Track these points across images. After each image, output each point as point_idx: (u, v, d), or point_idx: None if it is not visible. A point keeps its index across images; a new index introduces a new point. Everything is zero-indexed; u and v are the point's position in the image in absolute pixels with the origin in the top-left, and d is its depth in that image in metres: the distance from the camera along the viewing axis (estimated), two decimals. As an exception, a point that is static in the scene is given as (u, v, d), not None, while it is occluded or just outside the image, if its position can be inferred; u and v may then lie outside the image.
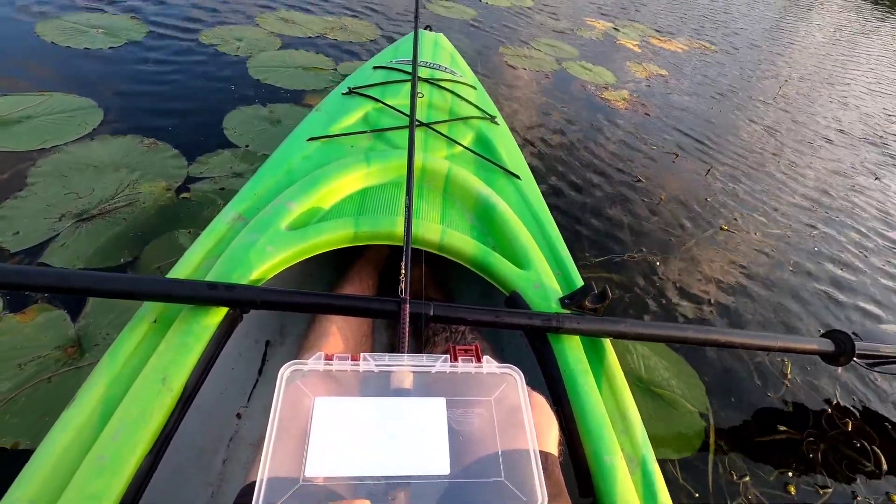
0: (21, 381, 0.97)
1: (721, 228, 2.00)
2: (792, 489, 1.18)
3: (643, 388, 1.30)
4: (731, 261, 1.86)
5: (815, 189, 2.50)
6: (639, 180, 2.20)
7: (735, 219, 2.10)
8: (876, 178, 2.75)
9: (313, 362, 0.48)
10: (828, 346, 1.11)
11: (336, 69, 2.42)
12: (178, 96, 1.96)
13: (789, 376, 1.46)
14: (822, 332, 1.15)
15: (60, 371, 1.00)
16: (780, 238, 2.06)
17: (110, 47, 2.18)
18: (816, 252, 2.04)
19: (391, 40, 2.88)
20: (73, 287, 0.65)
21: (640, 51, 3.81)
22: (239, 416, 0.96)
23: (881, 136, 3.34)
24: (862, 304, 1.82)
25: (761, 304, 1.70)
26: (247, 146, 1.74)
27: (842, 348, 1.13)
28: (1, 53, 2.00)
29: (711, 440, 1.23)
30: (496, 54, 3.06)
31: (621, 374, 0.76)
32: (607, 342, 0.79)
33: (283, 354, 1.07)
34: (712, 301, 1.65)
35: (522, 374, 0.50)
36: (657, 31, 4.49)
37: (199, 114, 1.88)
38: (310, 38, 2.67)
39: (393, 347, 1.13)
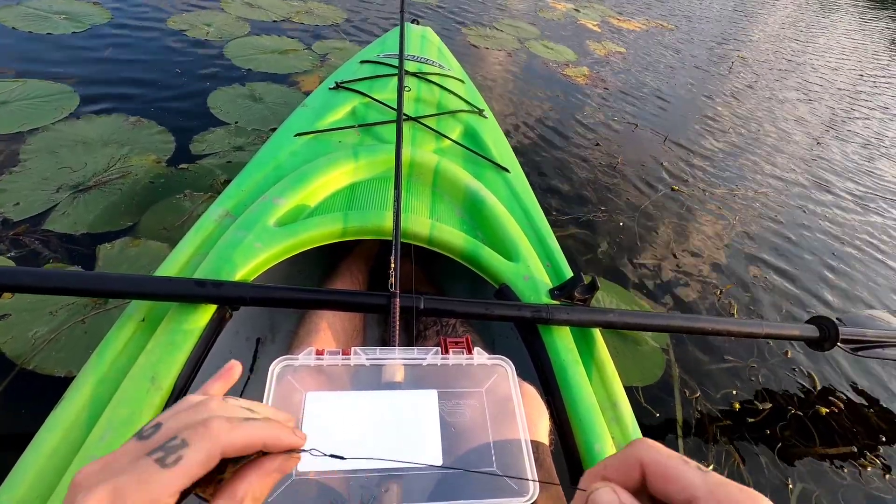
0: (56, 324, 1.09)
1: (672, 189, 2.24)
2: (736, 405, 1.38)
3: (613, 329, 1.49)
4: (681, 217, 2.09)
5: (761, 155, 2.77)
6: (598, 145, 2.42)
7: (686, 180, 2.34)
8: (818, 144, 3.05)
9: (304, 357, 0.49)
10: (812, 332, 1.15)
11: (310, 48, 2.55)
12: (153, 79, 2.05)
13: (735, 314, 1.70)
14: (808, 317, 1.25)
15: (90, 315, 1.13)
16: (725, 197, 2.31)
17: (73, 32, 2.24)
18: (758, 208, 2.30)
19: (356, 23, 3.00)
20: (60, 287, 0.67)
21: (599, 30, 4.05)
22: None
23: (829, 111, 3.67)
24: (775, 241, 2.09)
25: (704, 255, 1.94)
26: (236, 122, 1.88)
27: (826, 334, 1.17)
28: (-34, 41, 2.04)
29: (675, 371, 1.42)
30: (459, 35, 3.22)
31: (611, 363, 0.78)
32: (597, 332, 0.81)
33: (274, 352, 1.08)
34: (666, 253, 1.87)
35: (513, 365, 0.51)
36: (618, 11, 4.74)
37: (179, 94, 1.98)
38: (275, 21, 2.77)
39: (384, 342, 1.16)
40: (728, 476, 1.05)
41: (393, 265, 0.71)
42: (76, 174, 1.49)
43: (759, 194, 2.38)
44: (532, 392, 0.66)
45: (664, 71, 3.57)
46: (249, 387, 1.01)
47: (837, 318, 1.22)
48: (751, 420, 1.37)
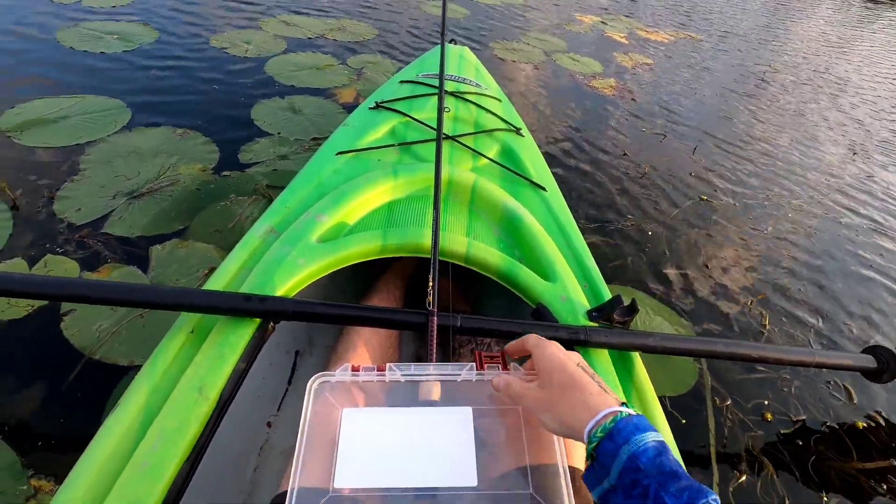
0: (117, 319, 1.20)
1: (701, 199, 2.24)
2: (768, 416, 1.37)
3: (653, 353, 1.48)
4: (710, 228, 2.09)
5: (793, 169, 2.73)
6: (625, 154, 2.45)
7: (715, 190, 2.33)
8: (854, 154, 2.99)
9: (340, 373, 0.49)
10: (869, 362, 1.11)
11: (344, 63, 2.68)
12: (198, 94, 2.20)
13: (767, 326, 1.68)
14: (863, 348, 1.20)
15: (147, 311, 1.23)
16: (755, 209, 2.29)
17: (124, 51, 2.42)
18: (790, 223, 2.27)
19: (388, 39, 3.13)
20: (117, 299, 0.71)
21: (627, 42, 4.08)
22: (269, 424, 1.00)
23: (861, 121, 3.59)
24: (808, 259, 2.05)
25: (733, 266, 1.93)
26: (279, 133, 2.02)
27: (884, 365, 1.12)
28: (30, 58, 2.24)
29: (707, 380, 1.42)
30: (486, 49, 3.31)
31: (651, 388, 0.77)
32: (636, 356, 0.80)
33: (312, 365, 1.12)
34: (694, 263, 1.87)
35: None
36: (645, 23, 4.76)
37: (222, 107, 2.12)
38: (310, 38, 2.92)
39: (420, 359, 1.16)
40: (760, 486, 1.04)
41: (431, 283, 0.72)
42: (130, 182, 1.63)
43: (793, 208, 2.35)
44: None
45: (692, 82, 3.57)
46: (287, 398, 1.05)
47: None
48: (784, 431, 1.35)
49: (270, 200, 1.70)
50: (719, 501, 0.37)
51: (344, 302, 0.78)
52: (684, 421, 1.32)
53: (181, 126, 1.94)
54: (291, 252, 0.79)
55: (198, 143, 1.87)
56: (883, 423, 1.40)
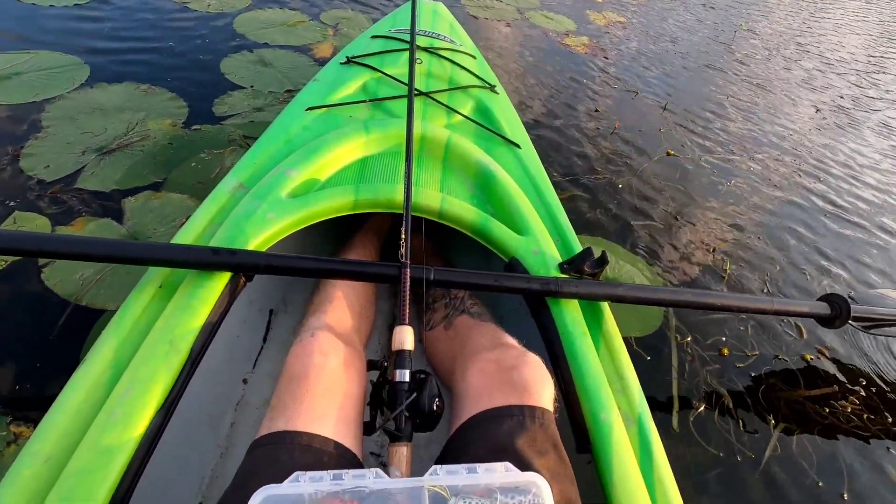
0: (99, 268, 1.22)
1: (668, 154, 2.34)
2: (725, 351, 1.49)
3: (622, 303, 1.56)
4: (678, 181, 2.19)
5: (760, 123, 2.85)
6: (596, 111, 2.51)
7: (683, 146, 2.43)
8: (817, 111, 3.12)
9: (289, 485, 0.43)
10: (823, 309, 1.16)
11: (316, 19, 2.64)
12: (159, 49, 2.14)
13: (728, 271, 1.80)
14: (819, 296, 1.26)
15: None
16: (722, 162, 2.40)
17: (76, 4, 2.30)
18: (756, 175, 2.39)
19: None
20: (85, 253, 0.70)
21: (600, 0, 4.07)
22: (245, 381, 1.02)
23: (827, 82, 3.72)
24: (774, 208, 2.19)
25: (699, 217, 2.03)
26: (252, 86, 2.02)
27: (837, 311, 1.17)
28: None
29: (672, 321, 1.52)
30: (457, 6, 3.27)
31: (619, 337, 0.80)
32: (605, 306, 0.83)
33: (287, 322, 1.13)
34: (662, 215, 1.97)
35: (548, 485, 0.45)
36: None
37: (187, 63, 2.08)
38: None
39: (394, 317, 1.19)
40: (717, 415, 1.16)
41: (403, 236, 0.73)
42: (98, 138, 1.61)
43: (757, 162, 2.46)
44: (536, 360, 0.68)
45: (665, 40, 3.62)
46: (262, 356, 1.06)
47: (849, 296, 1.22)
48: (739, 365, 1.47)
49: (247, 147, 1.71)
50: None
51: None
52: (649, 358, 1.42)
53: (144, 82, 1.90)
54: (261, 206, 0.79)
55: (164, 98, 1.84)
56: (827, 356, 1.54)
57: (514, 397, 0.63)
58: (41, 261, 1.22)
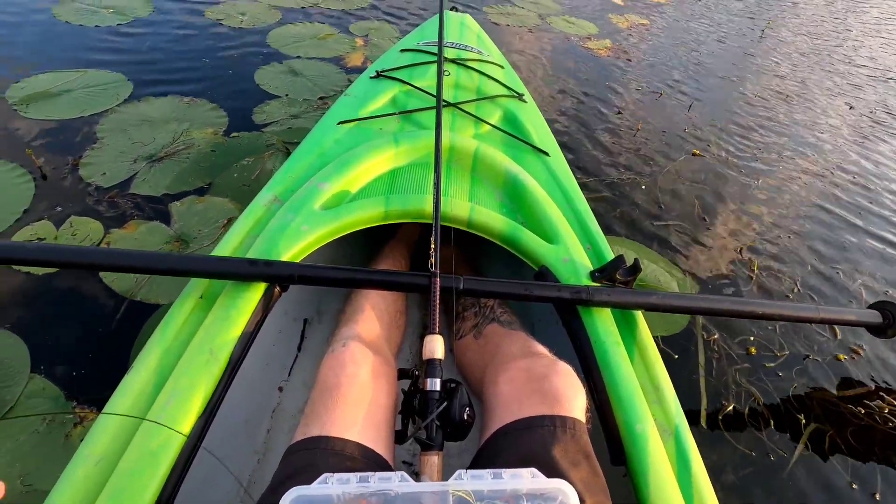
0: None
1: (693, 154, 2.34)
2: (753, 350, 1.49)
3: (656, 312, 1.55)
4: (703, 181, 2.19)
5: (786, 125, 2.81)
6: (619, 113, 2.54)
7: (708, 146, 2.42)
8: (850, 108, 3.06)
9: (318, 486, 0.45)
10: (874, 317, 1.12)
11: (345, 32, 2.75)
12: (196, 64, 2.27)
13: (756, 271, 1.80)
14: (870, 302, 1.21)
15: None
16: (749, 162, 2.38)
17: (119, 24, 2.46)
18: (785, 177, 2.37)
19: (382, 7, 3.15)
20: (129, 265, 0.75)
21: (623, 4, 4.10)
22: (280, 389, 1.05)
23: (859, 81, 3.64)
24: (804, 211, 2.16)
25: (725, 216, 2.03)
26: (286, 95, 2.14)
27: (890, 320, 1.13)
28: (29, 33, 2.30)
29: (698, 319, 1.52)
30: (480, 14, 3.34)
31: (654, 345, 0.79)
32: (639, 315, 0.82)
33: (320, 332, 1.17)
34: (687, 215, 1.98)
35: (574, 492, 0.45)
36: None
37: (223, 76, 2.21)
38: (303, 8, 2.94)
39: (425, 326, 1.21)
40: (748, 413, 1.18)
41: (433, 245, 0.74)
42: (147, 147, 1.74)
43: (784, 163, 2.44)
44: (567, 369, 0.68)
45: (689, 42, 3.61)
46: (297, 364, 1.10)
47: None
48: (768, 365, 1.47)
49: (287, 152, 1.82)
50: None
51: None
52: (676, 357, 1.44)
53: (187, 95, 2.03)
54: (295, 219, 0.81)
55: (205, 109, 1.97)
56: (863, 355, 1.51)
57: (545, 407, 0.63)
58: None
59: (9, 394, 1.07)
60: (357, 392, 0.65)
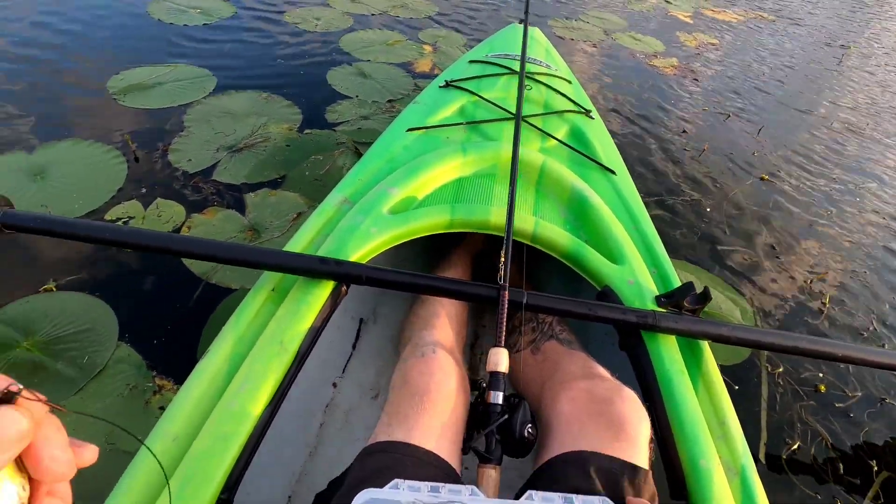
0: None
1: (762, 178, 2.26)
2: (822, 388, 1.42)
3: (726, 344, 1.48)
4: (771, 208, 2.11)
5: (863, 155, 2.67)
6: (684, 132, 2.48)
7: (778, 171, 2.33)
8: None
9: (390, 490, 0.46)
10: None
11: (412, 39, 2.84)
12: (274, 63, 2.40)
13: (827, 305, 1.71)
14: None
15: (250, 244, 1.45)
16: (822, 191, 2.28)
17: (205, 24, 2.63)
18: (860, 206, 2.24)
19: (449, 15, 3.22)
20: (209, 255, 0.78)
21: (692, 21, 4.01)
22: (335, 385, 1.08)
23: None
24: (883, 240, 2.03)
25: (793, 246, 1.94)
26: (357, 96, 2.23)
27: None
28: (127, 29, 2.51)
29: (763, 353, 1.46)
30: (545, 27, 3.35)
31: (720, 378, 0.76)
32: (706, 345, 0.79)
33: (375, 332, 1.20)
34: (751, 242, 1.90)
35: None
36: (713, 2, 4.64)
37: (298, 75, 2.33)
38: (374, 15, 3.05)
39: (477, 336, 1.24)
40: (814, 452, 1.11)
41: (503, 259, 0.74)
42: (228, 138, 1.85)
43: (860, 195, 2.32)
44: (632, 396, 0.66)
45: (761, 63, 3.49)
46: (351, 363, 1.12)
47: None
48: (838, 405, 1.40)
49: (357, 151, 1.90)
50: None
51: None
52: (737, 387, 1.39)
53: (265, 91, 2.15)
54: (364, 221, 0.83)
55: (282, 105, 2.09)
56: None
57: (610, 434, 0.62)
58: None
59: (99, 357, 1.16)
60: (442, 400, 0.66)
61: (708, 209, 2.00)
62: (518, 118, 1.00)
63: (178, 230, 1.49)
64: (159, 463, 0.57)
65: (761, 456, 1.26)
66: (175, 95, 2.04)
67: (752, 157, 2.40)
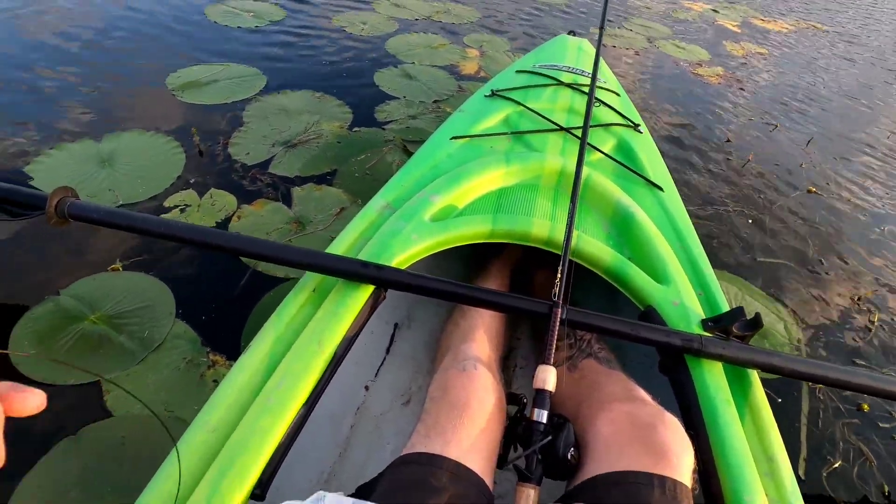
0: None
1: (809, 190, 2.21)
2: (866, 407, 1.38)
3: (776, 374, 1.45)
4: (815, 219, 2.05)
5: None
6: (728, 141, 2.45)
7: (827, 183, 2.27)
8: None
9: None
10: None
11: (456, 43, 2.91)
12: (323, 64, 2.50)
13: (875, 323, 1.66)
14: None
15: (294, 236, 1.55)
16: (872, 206, 2.20)
17: (256, 26, 2.76)
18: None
19: (490, 21, 3.27)
20: (255, 253, 0.80)
21: (739, 31, 3.94)
22: (367, 388, 1.08)
23: None
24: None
25: (843, 260, 1.89)
26: (404, 96, 2.32)
27: None
28: (186, 29, 2.65)
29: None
30: (589, 35, 3.35)
31: (769, 410, 0.72)
32: (754, 375, 0.75)
33: (409, 337, 1.19)
34: (798, 255, 1.86)
35: None
36: (763, 12, 4.54)
37: (347, 76, 2.42)
38: (417, 20, 3.13)
39: (512, 348, 1.21)
40: (856, 472, 1.09)
41: (559, 276, 0.72)
42: (283, 134, 1.95)
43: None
44: (675, 423, 0.64)
45: (812, 73, 3.40)
46: (384, 366, 1.12)
47: None
48: (883, 425, 1.36)
49: (405, 149, 1.96)
50: None
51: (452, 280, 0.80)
52: (780, 400, 1.37)
53: (318, 90, 2.26)
54: (406, 227, 0.83)
55: (333, 104, 2.18)
56: None
57: (651, 461, 0.60)
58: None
59: (158, 333, 1.24)
60: (481, 416, 0.65)
61: (751, 220, 1.97)
62: (584, 136, 0.98)
63: (228, 219, 1.57)
64: (178, 463, 0.58)
65: (801, 472, 1.23)
66: (229, 92, 2.15)
67: (800, 168, 2.35)
